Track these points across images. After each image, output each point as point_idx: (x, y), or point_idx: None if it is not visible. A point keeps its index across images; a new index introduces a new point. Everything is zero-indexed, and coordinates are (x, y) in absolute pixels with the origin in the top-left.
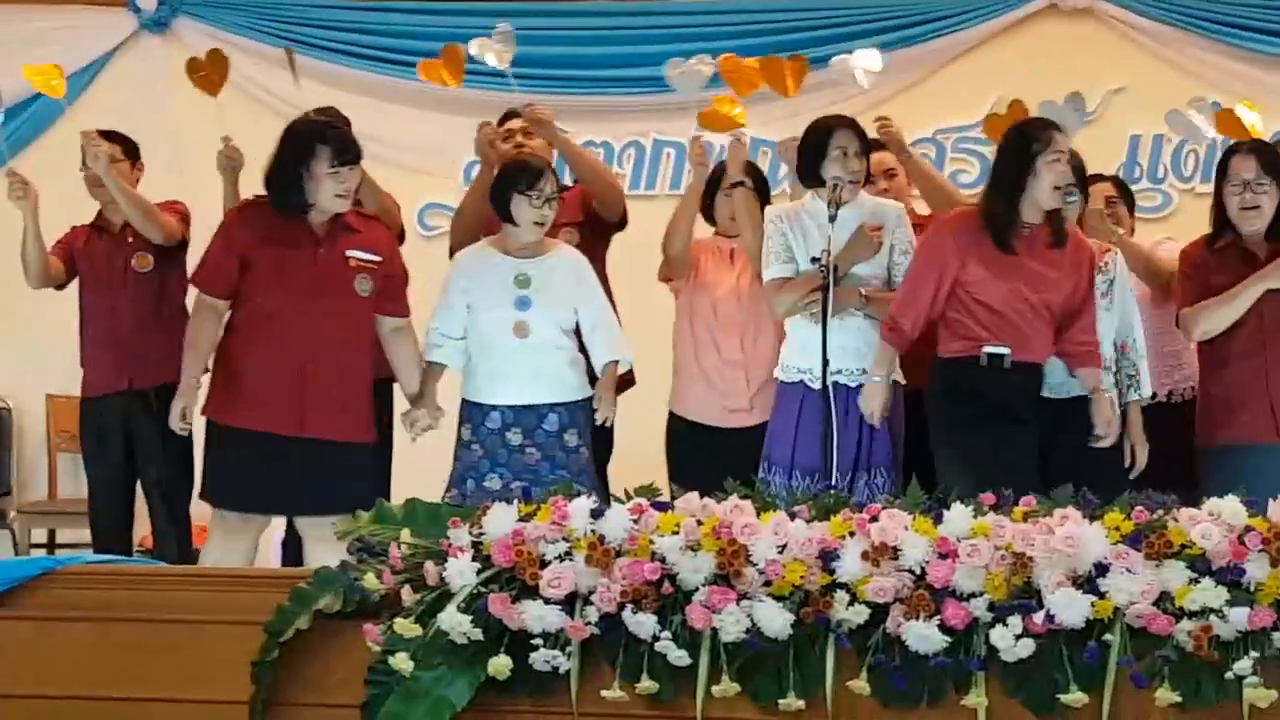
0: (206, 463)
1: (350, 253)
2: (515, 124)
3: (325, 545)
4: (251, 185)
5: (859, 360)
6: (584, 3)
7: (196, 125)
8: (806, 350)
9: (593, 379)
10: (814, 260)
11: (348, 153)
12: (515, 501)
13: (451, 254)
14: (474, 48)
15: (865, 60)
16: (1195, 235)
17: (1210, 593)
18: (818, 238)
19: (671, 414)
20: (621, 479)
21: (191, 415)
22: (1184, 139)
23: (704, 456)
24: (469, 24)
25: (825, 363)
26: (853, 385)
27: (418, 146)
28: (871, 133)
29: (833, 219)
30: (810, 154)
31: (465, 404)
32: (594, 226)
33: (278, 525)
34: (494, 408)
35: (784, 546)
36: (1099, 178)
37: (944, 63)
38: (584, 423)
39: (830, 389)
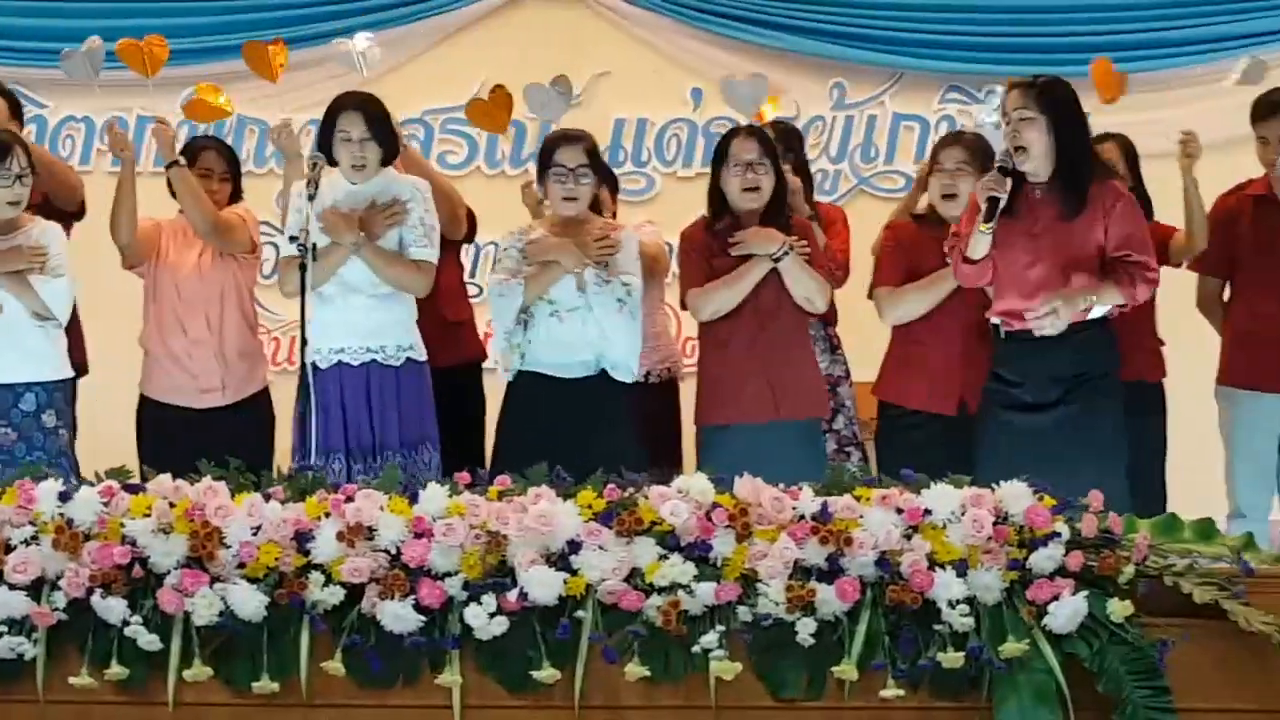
0: None
1: None
2: None
3: None
4: None
5: (364, 339)
6: None
7: None
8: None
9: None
10: (292, 239)
11: None
12: None
13: None
14: None
15: (365, 46)
16: (677, 218)
17: (678, 569)
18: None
19: (142, 396)
20: (92, 462)
21: None
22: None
23: (177, 438)
24: None
25: (304, 341)
26: (356, 364)
27: None
28: None
29: (312, 198)
30: (323, 132)
31: None
32: (49, 212)
33: None
34: None
35: (259, 528)
36: None
37: (434, 43)
38: (64, 403)
39: (310, 369)
